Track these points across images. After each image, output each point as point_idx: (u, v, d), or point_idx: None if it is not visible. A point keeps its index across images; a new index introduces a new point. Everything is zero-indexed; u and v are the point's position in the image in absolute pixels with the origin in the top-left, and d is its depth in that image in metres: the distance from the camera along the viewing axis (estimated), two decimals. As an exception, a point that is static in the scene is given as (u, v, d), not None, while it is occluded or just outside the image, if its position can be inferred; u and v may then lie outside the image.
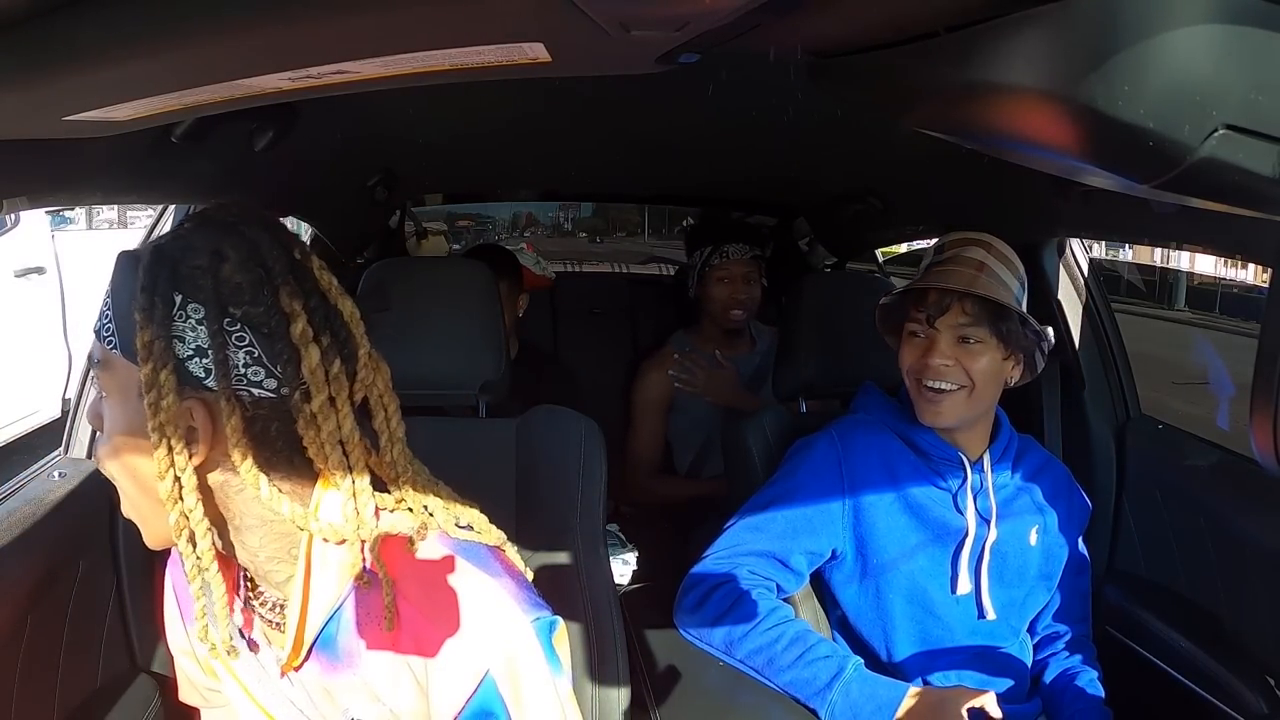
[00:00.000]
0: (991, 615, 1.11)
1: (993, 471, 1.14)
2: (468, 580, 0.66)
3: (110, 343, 0.61)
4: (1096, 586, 1.22)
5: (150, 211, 1.37)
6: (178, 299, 0.58)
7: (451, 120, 1.35)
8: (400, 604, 0.64)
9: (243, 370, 0.59)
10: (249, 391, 0.60)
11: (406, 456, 0.67)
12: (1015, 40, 0.41)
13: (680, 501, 1.95)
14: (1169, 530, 1.37)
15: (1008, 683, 1.14)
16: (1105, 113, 0.38)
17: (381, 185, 1.67)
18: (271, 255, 0.61)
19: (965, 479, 1.13)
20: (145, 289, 0.58)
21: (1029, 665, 1.17)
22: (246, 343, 0.59)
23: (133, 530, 1.23)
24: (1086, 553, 1.22)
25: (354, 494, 0.62)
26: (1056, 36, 0.39)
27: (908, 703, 1.00)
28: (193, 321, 0.59)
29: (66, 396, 1.29)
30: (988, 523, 1.11)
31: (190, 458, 0.59)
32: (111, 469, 0.63)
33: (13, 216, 3.60)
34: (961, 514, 1.12)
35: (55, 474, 1.13)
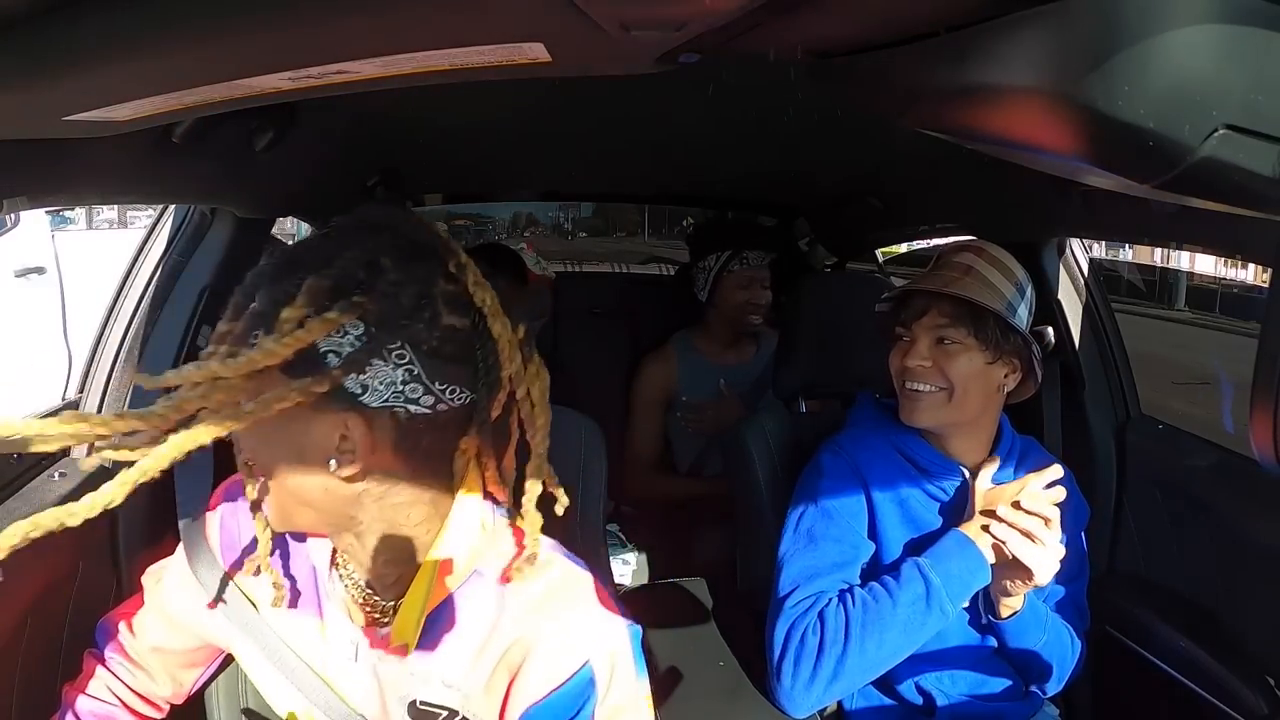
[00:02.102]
0: (984, 620, 1.11)
1: (995, 481, 1.12)
2: (570, 575, 0.72)
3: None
4: (1096, 586, 1.22)
5: (150, 211, 1.37)
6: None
7: (452, 120, 1.35)
8: (509, 590, 0.70)
9: (400, 388, 0.61)
10: (405, 409, 0.61)
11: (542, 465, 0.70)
12: (1015, 40, 0.41)
13: (680, 500, 1.95)
14: (1169, 530, 1.37)
15: (1004, 683, 1.13)
16: (1105, 113, 0.38)
17: (381, 185, 1.67)
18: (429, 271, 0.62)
19: (969, 491, 1.12)
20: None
21: (1022, 666, 1.17)
22: (406, 361, 0.61)
23: (133, 530, 1.24)
24: (1087, 557, 1.21)
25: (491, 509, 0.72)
26: (1056, 36, 0.39)
27: (978, 537, 1.03)
28: (351, 337, 0.59)
29: (66, 397, 1.29)
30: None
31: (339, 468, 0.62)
32: (258, 470, 0.67)
33: (13, 216, 3.60)
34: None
35: (55, 474, 1.13)
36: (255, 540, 0.74)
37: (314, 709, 0.77)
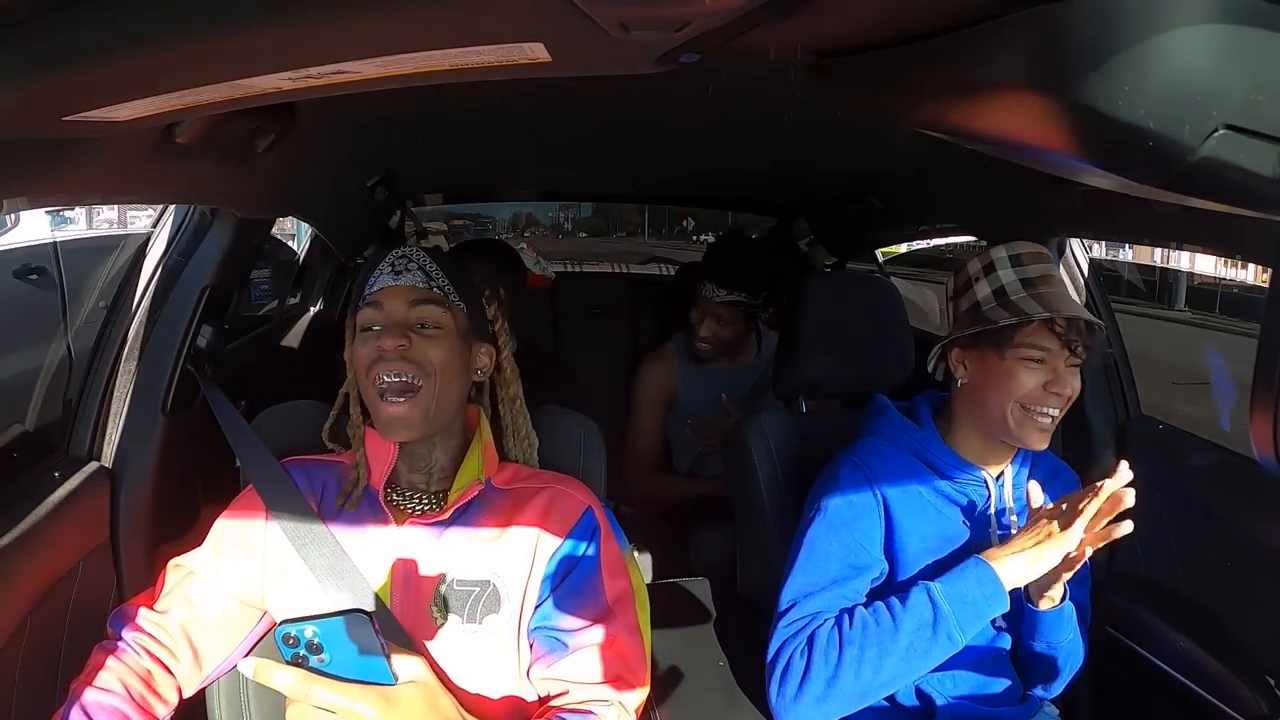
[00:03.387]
0: (1002, 624, 1.11)
1: (1014, 484, 1.13)
2: (556, 471, 1.00)
3: (455, 298, 0.93)
4: (1096, 586, 1.21)
5: (150, 211, 1.37)
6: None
7: (451, 120, 1.35)
8: (515, 478, 0.97)
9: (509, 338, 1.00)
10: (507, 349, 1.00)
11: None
12: (1015, 40, 0.41)
13: (680, 500, 1.95)
14: (1169, 530, 1.37)
15: (1004, 684, 1.13)
16: (1105, 113, 0.38)
17: (381, 185, 1.67)
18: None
19: (989, 496, 1.12)
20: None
21: (1023, 668, 1.17)
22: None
23: (133, 530, 1.24)
24: (1088, 563, 1.21)
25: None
26: (1057, 36, 0.39)
27: (999, 562, 1.00)
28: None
29: (67, 397, 1.29)
30: (1008, 534, 1.10)
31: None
32: (435, 363, 0.89)
33: (13, 216, 3.60)
34: (987, 531, 1.11)
35: (55, 474, 1.13)
36: (318, 483, 0.96)
37: None
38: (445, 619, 0.88)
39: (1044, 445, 1.08)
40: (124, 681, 0.84)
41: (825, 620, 1.04)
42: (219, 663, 0.92)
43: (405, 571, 0.89)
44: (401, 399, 0.88)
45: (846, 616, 1.03)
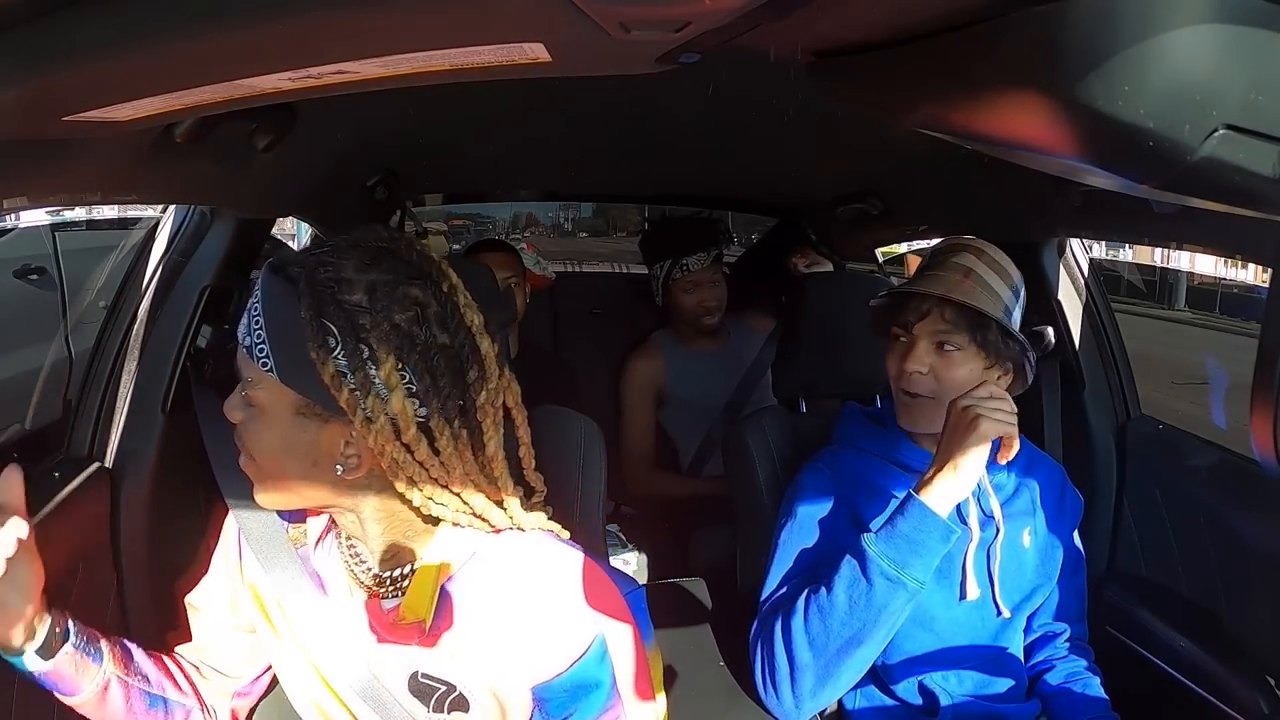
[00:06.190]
0: (1006, 614, 1.10)
1: (988, 471, 1.12)
2: (566, 555, 0.76)
3: (265, 365, 0.67)
4: (1096, 586, 1.21)
5: (151, 211, 1.37)
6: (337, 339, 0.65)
7: (451, 120, 1.35)
8: (509, 572, 0.74)
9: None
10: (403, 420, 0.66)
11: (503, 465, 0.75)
12: (1015, 40, 0.41)
13: (680, 500, 1.95)
14: (1169, 530, 1.37)
15: (1008, 683, 1.13)
16: (1105, 113, 0.38)
17: (381, 185, 1.67)
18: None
19: None
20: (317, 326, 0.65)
21: (1025, 664, 1.17)
22: (406, 380, 0.66)
23: (133, 531, 1.24)
24: (1083, 550, 1.22)
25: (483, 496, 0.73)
26: (1057, 36, 0.39)
27: (925, 490, 0.98)
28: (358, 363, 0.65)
29: (67, 397, 1.29)
30: (992, 520, 1.11)
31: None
32: (258, 459, 0.71)
33: (13, 216, 3.60)
34: (964, 522, 1.10)
35: (55, 474, 1.13)
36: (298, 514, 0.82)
37: (327, 687, 0.79)
38: (410, 702, 0.77)
39: (916, 425, 1.10)
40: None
41: (780, 611, 1.05)
42: (251, 678, 0.90)
43: (370, 640, 0.77)
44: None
45: (799, 599, 1.03)
